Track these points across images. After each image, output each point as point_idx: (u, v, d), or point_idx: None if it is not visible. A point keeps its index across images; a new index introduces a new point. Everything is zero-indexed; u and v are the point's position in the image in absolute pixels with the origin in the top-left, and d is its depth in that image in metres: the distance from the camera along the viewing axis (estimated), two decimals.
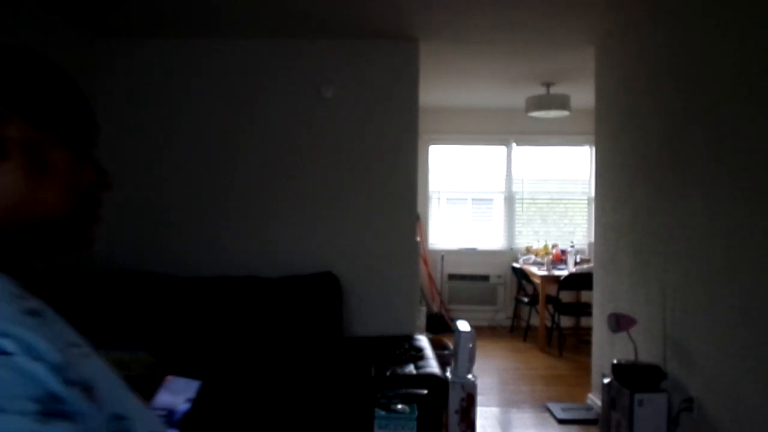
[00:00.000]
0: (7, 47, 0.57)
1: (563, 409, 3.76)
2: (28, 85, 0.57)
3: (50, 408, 0.40)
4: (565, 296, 5.67)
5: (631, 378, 2.83)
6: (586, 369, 4.32)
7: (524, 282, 5.99)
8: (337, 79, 3.88)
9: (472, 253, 6.46)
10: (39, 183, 0.54)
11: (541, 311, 5.39)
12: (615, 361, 2.96)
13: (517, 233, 6.53)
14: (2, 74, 0.55)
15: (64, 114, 0.59)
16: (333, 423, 2.65)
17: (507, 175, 6.56)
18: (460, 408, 1.66)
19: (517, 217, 6.55)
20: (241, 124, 3.87)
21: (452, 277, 6.40)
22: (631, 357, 3.04)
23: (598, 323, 3.85)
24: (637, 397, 2.75)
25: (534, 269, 5.59)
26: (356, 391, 2.85)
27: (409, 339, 3.56)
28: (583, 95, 5.00)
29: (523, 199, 6.56)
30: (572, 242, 6.16)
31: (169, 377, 1.14)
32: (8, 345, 0.41)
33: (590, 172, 6.34)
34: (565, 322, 5.92)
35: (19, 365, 0.40)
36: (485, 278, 6.40)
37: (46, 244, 0.56)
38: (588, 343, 4.44)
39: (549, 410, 3.79)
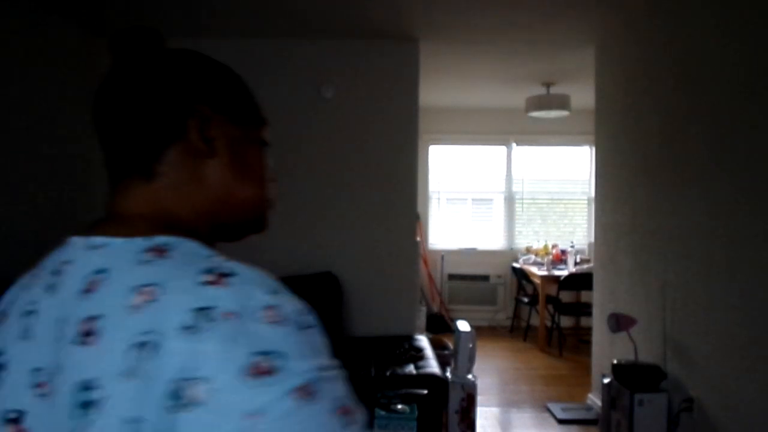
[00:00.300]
0: (200, 55, 0.62)
1: (563, 409, 3.76)
2: (227, 88, 0.61)
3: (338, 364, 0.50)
4: (565, 296, 5.66)
5: (631, 378, 2.83)
6: (586, 369, 4.32)
7: (524, 282, 5.99)
8: (337, 79, 3.88)
9: (472, 253, 6.46)
10: (242, 178, 0.61)
11: (541, 311, 5.39)
12: (615, 361, 2.96)
13: (517, 233, 6.53)
14: (205, 79, 0.60)
15: (253, 113, 0.64)
16: None
17: (507, 175, 6.56)
18: (460, 408, 1.66)
19: (517, 217, 6.55)
20: None
21: (452, 277, 6.40)
22: (631, 357, 3.04)
23: (598, 323, 3.84)
24: (637, 397, 2.75)
25: (534, 269, 5.59)
26: (356, 391, 2.85)
27: (409, 339, 3.56)
28: (583, 95, 5.00)
29: (523, 199, 6.56)
30: (572, 242, 6.16)
31: None
32: (313, 319, 0.49)
33: (590, 172, 6.34)
34: (565, 322, 5.91)
35: (322, 333, 0.50)
36: (485, 278, 6.40)
37: (238, 230, 0.63)
38: (588, 343, 4.44)
39: (549, 410, 3.79)
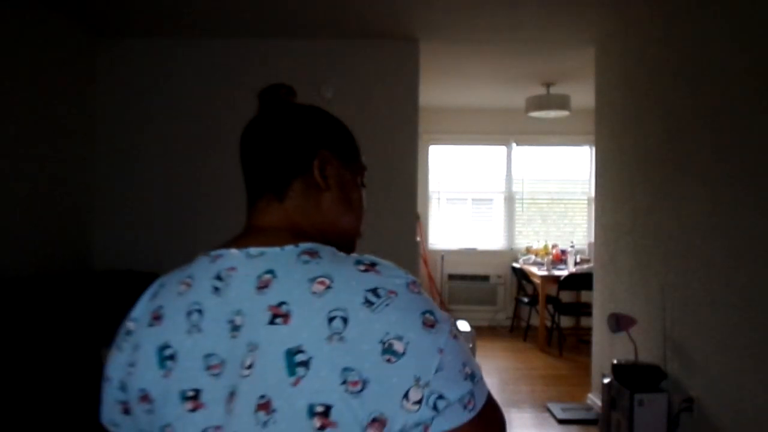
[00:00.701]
0: (323, 111, 0.81)
1: (563, 409, 3.76)
2: (341, 139, 0.80)
3: None
4: (565, 296, 5.67)
5: (631, 378, 2.83)
6: (586, 369, 4.31)
7: (524, 282, 5.99)
8: (337, 79, 3.88)
9: (472, 253, 6.46)
10: (346, 210, 0.80)
11: (541, 311, 5.39)
12: (615, 361, 2.96)
13: (517, 233, 6.53)
14: (327, 130, 0.79)
15: (358, 161, 0.84)
16: None
17: (507, 175, 6.56)
18: None
19: (517, 217, 6.55)
20: (241, 124, 3.86)
21: (452, 277, 6.40)
22: (631, 357, 3.04)
23: (598, 323, 3.85)
24: (637, 397, 2.75)
25: (534, 269, 5.59)
26: None
27: None
28: (583, 95, 5.00)
29: (523, 199, 6.56)
30: (572, 242, 6.16)
31: None
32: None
33: (590, 172, 6.34)
34: (565, 322, 5.91)
35: None
36: (485, 278, 6.40)
37: (337, 248, 0.75)
38: (588, 343, 4.44)
39: (549, 410, 3.79)
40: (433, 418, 0.59)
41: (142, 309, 0.75)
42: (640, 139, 3.28)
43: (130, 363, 0.70)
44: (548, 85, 5.12)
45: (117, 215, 3.87)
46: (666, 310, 2.94)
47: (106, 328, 3.59)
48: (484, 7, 3.28)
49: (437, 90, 5.40)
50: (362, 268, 0.64)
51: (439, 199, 6.56)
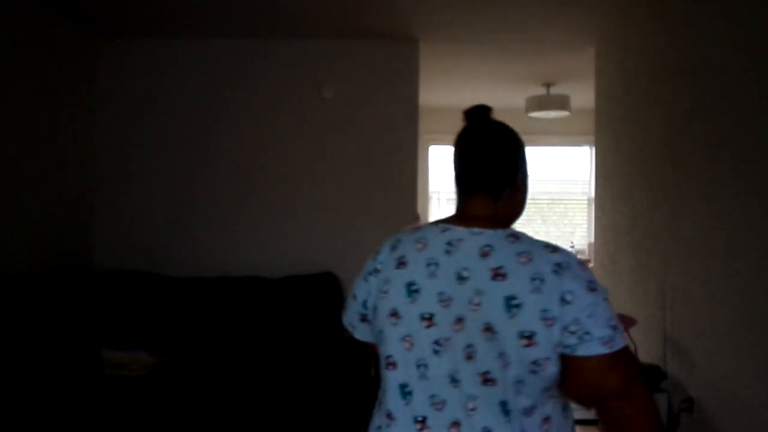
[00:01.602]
0: (511, 130, 1.16)
1: None
2: (525, 154, 1.16)
3: None
4: None
5: None
6: None
7: None
8: (337, 79, 3.88)
9: None
10: (523, 203, 1.17)
11: None
12: None
13: None
14: (521, 147, 1.15)
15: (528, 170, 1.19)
16: (333, 423, 2.65)
17: None
18: None
19: None
20: (241, 124, 3.87)
21: None
22: None
23: None
24: None
25: None
26: (356, 391, 2.85)
27: None
28: (583, 95, 5.00)
29: None
30: (572, 242, 6.16)
31: None
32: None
33: (590, 172, 6.33)
34: None
35: None
36: None
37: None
38: None
39: None
40: (577, 345, 0.95)
41: (385, 256, 1.11)
42: (640, 139, 3.28)
43: (381, 290, 1.08)
44: (548, 86, 5.12)
45: (117, 215, 3.87)
46: (666, 310, 2.94)
47: (106, 328, 3.60)
48: (485, 7, 3.28)
49: (437, 90, 5.40)
50: (549, 250, 1.00)
51: (439, 199, 6.56)
